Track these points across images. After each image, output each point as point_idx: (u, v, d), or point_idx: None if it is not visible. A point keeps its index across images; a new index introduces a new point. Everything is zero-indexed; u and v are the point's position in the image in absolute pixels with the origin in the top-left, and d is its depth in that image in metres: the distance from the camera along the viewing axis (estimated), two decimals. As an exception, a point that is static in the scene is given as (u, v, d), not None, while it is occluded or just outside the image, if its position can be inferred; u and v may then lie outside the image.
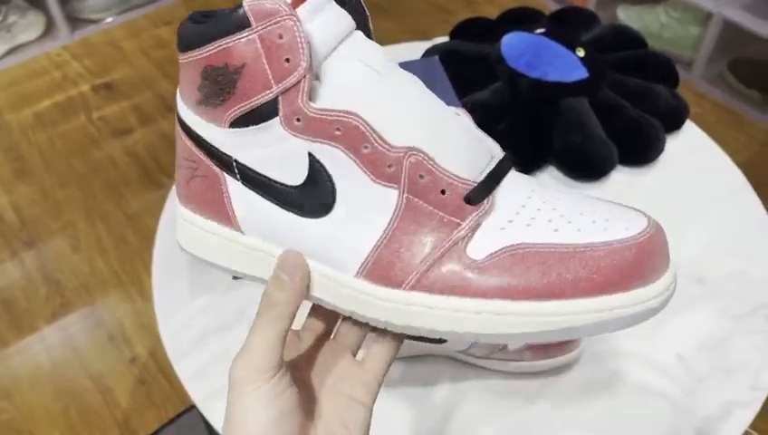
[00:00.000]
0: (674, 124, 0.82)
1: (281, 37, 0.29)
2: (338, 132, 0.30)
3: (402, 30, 1.84)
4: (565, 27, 0.89)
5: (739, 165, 0.80)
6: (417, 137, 0.30)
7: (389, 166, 0.30)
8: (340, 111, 0.30)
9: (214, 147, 0.32)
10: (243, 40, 0.29)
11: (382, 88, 0.31)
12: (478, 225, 0.30)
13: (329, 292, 0.32)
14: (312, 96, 0.30)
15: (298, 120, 0.30)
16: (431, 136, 0.31)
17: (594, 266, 0.29)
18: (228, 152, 0.32)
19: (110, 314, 1.26)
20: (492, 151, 0.33)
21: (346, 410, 0.34)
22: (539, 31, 0.87)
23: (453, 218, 0.30)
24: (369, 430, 0.34)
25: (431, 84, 0.33)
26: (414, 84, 0.33)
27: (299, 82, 0.29)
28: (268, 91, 0.29)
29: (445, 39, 0.93)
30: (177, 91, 0.33)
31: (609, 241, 0.29)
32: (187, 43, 0.31)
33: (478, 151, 0.32)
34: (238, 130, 0.31)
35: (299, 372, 0.35)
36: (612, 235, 0.30)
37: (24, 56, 1.84)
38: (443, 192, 0.30)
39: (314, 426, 0.33)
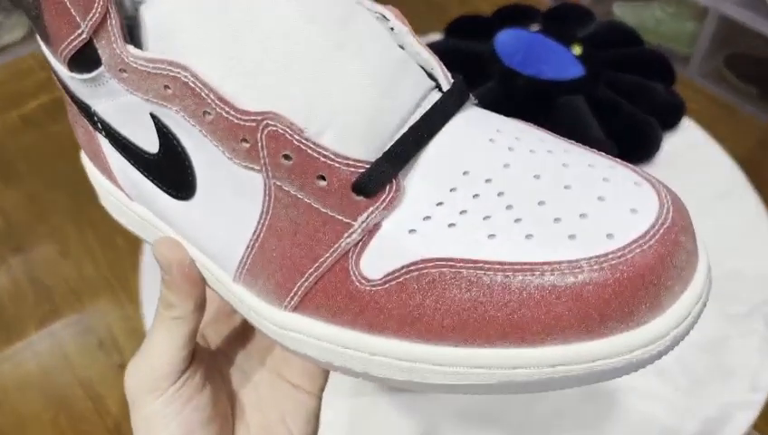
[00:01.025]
0: (671, 121, 0.81)
1: None
2: (169, 91, 0.21)
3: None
4: (560, 24, 0.88)
5: (736, 161, 0.79)
6: (276, 94, 0.21)
7: (243, 140, 0.21)
8: (162, 61, 0.21)
9: (70, 90, 0.25)
10: None
11: (230, 15, 0.21)
12: (377, 226, 0.21)
13: (220, 290, 0.26)
14: (135, 36, 0.22)
15: (123, 70, 0.22)
16: (300, 90, 0.21)
17: (547, 303, 0.18)
18: (87, 101, 0.25)
19: (100, 320, 1.24)
20: (426, 87, 0.22)
21: (285, 401, 0.28)
22: (534, 28, 0.85)
23: (340, 217, 0.21)
24: (317, 424, 0.29)
25: None
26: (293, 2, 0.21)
27: (104, 17, 0.21)
28: (78, 31, 0.22)
29: (438, 36, 0.92)
30: None
31: (577, 259, 0.18)
32: None
33: (394, 99, 0.21)
34: (79, 76, 0.24)
35: (228, 354, 0.30)
36: (584, 247, 0.19)
37: (9, 57, 1.82)
38: (321, 178, 0.21)
39: (245, 424, 0.28)
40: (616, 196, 0.20)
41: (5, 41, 1.82)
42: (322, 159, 0.20)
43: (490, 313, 0.19)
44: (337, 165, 0.20)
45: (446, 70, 0.23)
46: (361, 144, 0.21)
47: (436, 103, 0.22)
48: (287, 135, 0.20)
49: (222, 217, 0.23)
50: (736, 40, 1.64)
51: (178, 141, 0.23)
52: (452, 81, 0.23)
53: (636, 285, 0.18)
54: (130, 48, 0.22)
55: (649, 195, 0.20)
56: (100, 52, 0.22)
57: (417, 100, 0.22)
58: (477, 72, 0.81)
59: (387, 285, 0.20)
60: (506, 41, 0.83)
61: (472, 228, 0.20)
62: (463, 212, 0.20)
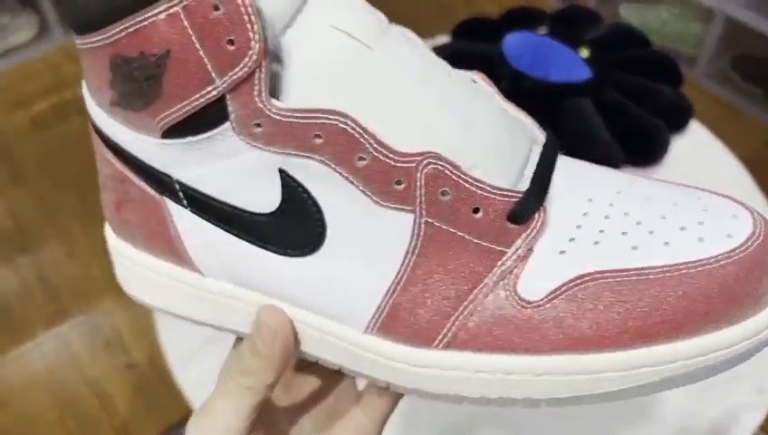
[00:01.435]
0: (679, 124, 0.81)
1: (217, 8, 0.20)
2: (319, 140, 0.21)
3: (399, 29, 1.83)
4: (568, 26, 0.88)
5: (743, 162, 0.79)
6: (432, 136, 0.22)
7: (398, 182, 0.22)
8: (318, 110, 0.21)
9: (145, 163, 0.23)
10: (162, 16, 0.20)
11: (374, 66, 0.22)
12: (530, 251, 0.23)
13: (332, 351, 0.25)
14: (273, 89, 0.21)
15: (258, 125, 0.21)
16: (451, 131, 0.22)
17: (694, 294, 0.21)
18: (167, 171, 0.23)
19: (107, 320, 1.25)
20: (530, 133, 0.25)
21: None
22: (541, 31, 0.86)
23: (494, 246, 0.22)
24: None
25: None
26: (416, 52, 0.23)
27: (253, 72, 0.20)
28: (210, 88, 0.21)
29: (445, 39, 0.93)
30: (84, 86, 0.25)
31: (710, 257, 0.22)
32: (82, 23, 0.21)
33: (514, 140, 0.24)
34: (176, 141, 0.22)
35: (289, 412, 0.29)
36: (712, 246, 0.22)
37: (17, 58, 1.82)
38: (476, 211, 0.22)
39: None
40: (716, 206, 0.24)
41: (13, 42, 1.83)
42: (480, 191, 0.22)
43: (659, 310, 0.21)
44: (493, 196, 0.22)
45: (536, 125, 0.26)
46: (503, 178, 0.23)
47: (545, 147, 0.25)
48: (447, 171, 0.22)
49: (354, 265, 0.23)
50: (742, 41, 1.64)
51: (308, 193, 0.22)
52: (543, 134, 0.26)
53: (758, 274, 0.22)
54: (274, 101, 0.21)
55: (740, 207, 0.24)
56: (230, 108, 0.21)
57: (528, 146, 0.25)
58: (485, 75, 0.82)
59: (551, 303, 0.22)
60: (514, 43, 0.83)
61: (615, 243, 0.22)
62: (601, 232, 0.23)
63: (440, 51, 0.89)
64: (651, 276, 0.22)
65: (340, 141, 0.21)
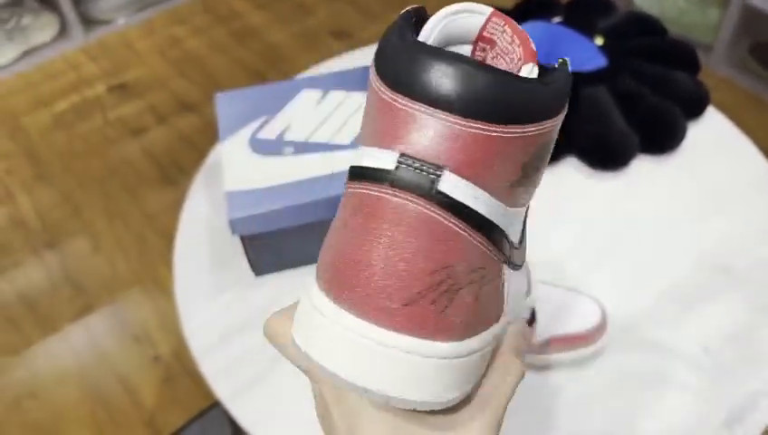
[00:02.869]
0: (695, 111, 0.81)
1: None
2: None
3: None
4: (583, 15, 0.88)
5: (761, 150, 0.78)
6: None
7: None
8: None
9: (501, 229, 0.23)
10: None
11: None
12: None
13: None
14: None
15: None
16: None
17: None
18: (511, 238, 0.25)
19: (133, 314, 1.27)
20: None
21: None
22: (556, 20, 0.86)
23: None
24: None
25: None
26: None
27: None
28: None
29: (460, 31, 0.93)
30: (465, 170, 0.21)
31: None
32: (510, 113, 0.21)
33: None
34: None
35: None
36: None
37: (39, 58, 1.86)
38: None
39: None
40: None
41: (35, 42, 1.86)
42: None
43: None
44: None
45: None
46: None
47: None
48: None
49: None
50: (760, 28, 1.62)
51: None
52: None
53: None
54: None
55: None
56: None
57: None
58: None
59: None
60: (530, 33, 0.83)
61: None
62: None
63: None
64: None
65: None
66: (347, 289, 0.21)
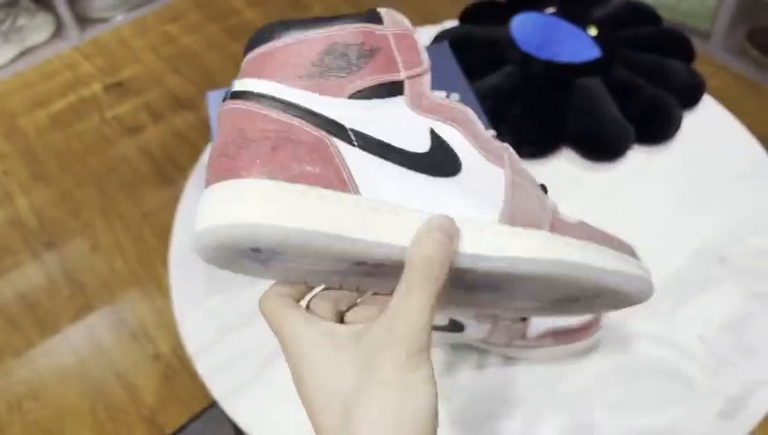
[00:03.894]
0: (690, 100, 0.80)
1: (408, 40, 0.34)
2: (457, 116, 0.35)
3: (410, 15, 1.82)
4: (576, 6, 0.87)
5: (758, 137, 0.78)
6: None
7: (495, 152, 0.35)
8: (454, 102, 0.35)
9: (321, 114, 0.33)
10: (378, 32, 0.34)
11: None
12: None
13: (470, 243, 0.33)
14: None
15: (421, 101, 0.34)
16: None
17: None
18: (341, 121, 0.33)
19: (132, 313, 1.27)
20: None
21: None
22: (549, 11, 0.85)
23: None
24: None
25: (442, 72, 0.33)
26: None
27: (424, 73, 0.34)
28: (398, 74, 0.34)
29: (454, 23, 0.92)
30: (249, 70, 0.33)
31: None
32: (304, 25, 0.33)
33: None
34: (358, 101, 0.33)
35: None
36: None
37: (35, 58, 1.85)
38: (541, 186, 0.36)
39: None
40: None
41: (31, 42, 1.86)
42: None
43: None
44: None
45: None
46: None
47: None
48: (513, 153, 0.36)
49: (481, 187, 0.34)
50: (759, 14, 1.61)
51: (448, 145, 0.34)
52: None
53: None
54: (435, 93, 0.35)
55: None
56: (406, 88, 0.34)
57: None
58: (494, 58, 0.82)
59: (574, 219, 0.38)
60: (522, 25, 0.83)
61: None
62: None
63: (450, 36, 0.89)
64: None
65: (467, 120, 0.35)
66: (210, 171, 0.32)
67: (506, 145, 0.37)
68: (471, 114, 0.35)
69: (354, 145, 0.32)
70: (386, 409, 0.28)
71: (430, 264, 0.30)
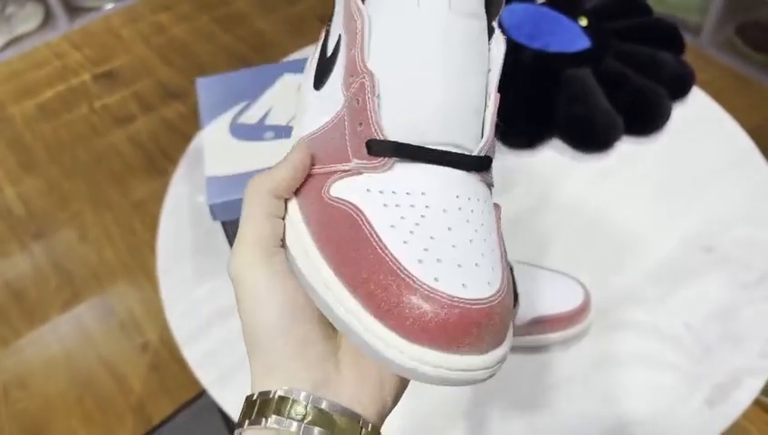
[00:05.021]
0: (680, 91, 0.80)
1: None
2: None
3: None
4: (567, -4, 0.87)
5: (748, 131, 0.78)
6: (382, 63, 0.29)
7: (351, 75, 0.30)
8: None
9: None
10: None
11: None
12: (358, 172, 0.29)
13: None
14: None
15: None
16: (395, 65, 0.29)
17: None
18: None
19: (121, 303, 1.27)
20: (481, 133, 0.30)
21: None
22: (540, 1, 0.85)
23: (346, 152, 0.30)
24: None
25: None
26: None
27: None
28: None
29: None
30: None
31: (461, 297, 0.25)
32: None
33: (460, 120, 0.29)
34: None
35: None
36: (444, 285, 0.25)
37: (23, 47, 1.84)
38: (360, 124, 0.29)
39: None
40: (484, 260, 0.27)
41: (20, 31, 1.84)
42: (373, 119, 0.29)
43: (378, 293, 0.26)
44: (374, 128, 0.29)
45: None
46: (404, 125, 0.29)
47: (478, 155, 0.30)
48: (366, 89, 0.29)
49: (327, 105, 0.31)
50: (748, 8, 1.61)
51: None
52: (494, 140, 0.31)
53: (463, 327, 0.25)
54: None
55: (499, 277, 0.27)
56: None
57: (473, 138, 0.30)
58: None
59: (332, 204, 0.29)
60: (513, 15, 0.83)
61: (398, 218, 0.27)
62: (398, 206, 0.28)
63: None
64: (393, 267, 0.26)
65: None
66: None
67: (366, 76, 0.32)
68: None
69: None
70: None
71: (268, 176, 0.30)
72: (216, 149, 0.64)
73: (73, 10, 1.90)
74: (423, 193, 0.28)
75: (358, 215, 0.27)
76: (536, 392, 0.58)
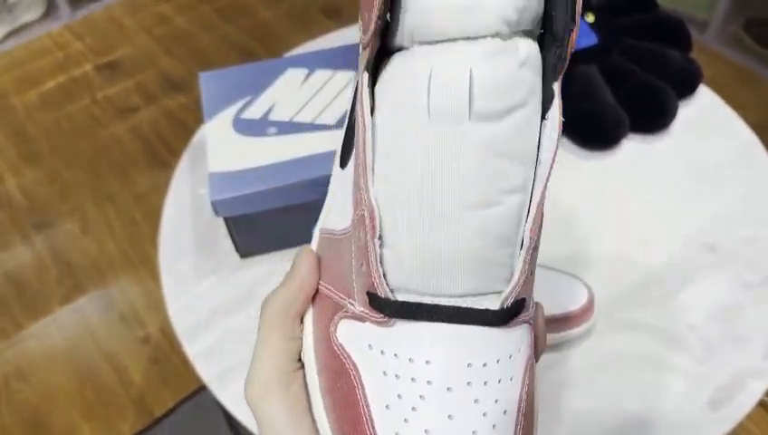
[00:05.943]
0: (687, 89, 0.80)
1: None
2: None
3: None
4: (573, -9, 0.86)
5: (754, 127, 0.78)
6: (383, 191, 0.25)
7: (357, 190, 0.26)
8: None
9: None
10: None
11: None
12: (362, 319, 0.26)
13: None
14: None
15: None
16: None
17: None
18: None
19: (122, 295, 1.27)
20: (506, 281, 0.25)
21: None
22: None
23: (353, 289, 0.26)
24: None
25: None
26: None
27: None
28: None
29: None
30: None
31: None
32: None
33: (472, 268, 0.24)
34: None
35: None
36: None
37: (26, 37, 1.83)
38: (362, 265, 0.25)
39: None
40: None
41: (22, 21, 1.83)
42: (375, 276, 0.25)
43: None
44: (374, 278, 0.25)
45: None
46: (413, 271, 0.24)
47: (497, 311, 0.25)
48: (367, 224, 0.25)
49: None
50: (755, 4, 1.60)
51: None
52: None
53: None
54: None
55: None
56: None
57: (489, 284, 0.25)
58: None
59: (324, 356, 0.27)
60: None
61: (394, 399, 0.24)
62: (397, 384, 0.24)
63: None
64: None
65: None
66: None
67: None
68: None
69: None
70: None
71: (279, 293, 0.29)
72: (219, 145, 0.63)
73: (76, 0, 1.89)
74: (427, 362, 0.24)
75: (356, 380, 0.25)
76: (539, 392, 0.58)
